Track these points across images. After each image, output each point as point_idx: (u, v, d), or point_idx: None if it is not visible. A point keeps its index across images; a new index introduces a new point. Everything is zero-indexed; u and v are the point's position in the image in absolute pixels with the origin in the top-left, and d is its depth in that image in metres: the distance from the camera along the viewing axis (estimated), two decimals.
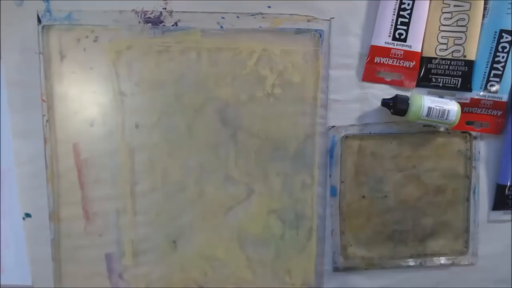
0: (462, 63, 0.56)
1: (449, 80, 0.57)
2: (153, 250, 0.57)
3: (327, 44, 0.56)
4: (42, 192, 0.54)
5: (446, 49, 0.56)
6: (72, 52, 0.53)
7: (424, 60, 0.57)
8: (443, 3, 0.55)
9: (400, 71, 0.57)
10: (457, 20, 0.55)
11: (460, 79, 0.57)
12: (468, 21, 0.55)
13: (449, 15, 0.55)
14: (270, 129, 0.56)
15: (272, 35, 0.55)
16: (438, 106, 0.53)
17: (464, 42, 0.55)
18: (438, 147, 0.59)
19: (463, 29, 0.55)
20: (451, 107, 0.54)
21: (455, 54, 0.56)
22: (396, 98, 0.55)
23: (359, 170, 0.58)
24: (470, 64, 0.56)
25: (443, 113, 0.53)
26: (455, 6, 0.55)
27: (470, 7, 0.55)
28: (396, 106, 0.54)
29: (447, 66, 0.56)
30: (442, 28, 0.56)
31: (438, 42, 0.56)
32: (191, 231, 0.57)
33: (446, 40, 0.56)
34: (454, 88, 0.57)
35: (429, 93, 0.57)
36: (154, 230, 0.57)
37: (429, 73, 0.57)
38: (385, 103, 0.55)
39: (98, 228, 0.55)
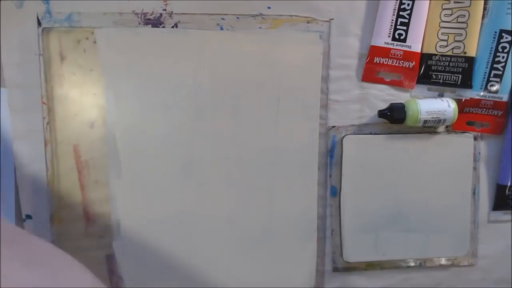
0: (462, 60, 0.56)
1: (450, 76, 0.57)
2: None
3: (327, 44, 0.55)
4: (43, 193, 0.54)
5: (446, 46, 0.56)
6: (72, 53, 0.53)
7: (424, 57, 0.56)
8: None
9: (399, 72, 0.56)
10: (457, 17, 0.55)
11: (460, 76, 0.56)
12: (469, 18, 0.55)
13: (449, 12, 0.55)
14: None
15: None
16: (434, 118, 0.54)
17: (464, 39, 0.55)
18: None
19: (463, 25, 0.55)
20: (447, 116, 0.54)
21: (455, 51, 0.56)
22: (391, 108, 0.55)
23: None
24: (470, 60, 0.56)
25: (439, 122, 0.54)
26: (455, 2, 0.55)
27: (470, 3, 0.54)
28: (393, 116, 0.55)
29: (447, 63, 0.56)
30: (442, 24, 0.55)
31: (438, 38, 0.56)
32: None
33: (446, 36, 0.56)
34: (455, 85, 0.57)
35: (430, 90, 0.57)
36: None
37: (430, 70, 0.57)
38: (383, 114, 0.55)
39: (99, 229, 0.56)
